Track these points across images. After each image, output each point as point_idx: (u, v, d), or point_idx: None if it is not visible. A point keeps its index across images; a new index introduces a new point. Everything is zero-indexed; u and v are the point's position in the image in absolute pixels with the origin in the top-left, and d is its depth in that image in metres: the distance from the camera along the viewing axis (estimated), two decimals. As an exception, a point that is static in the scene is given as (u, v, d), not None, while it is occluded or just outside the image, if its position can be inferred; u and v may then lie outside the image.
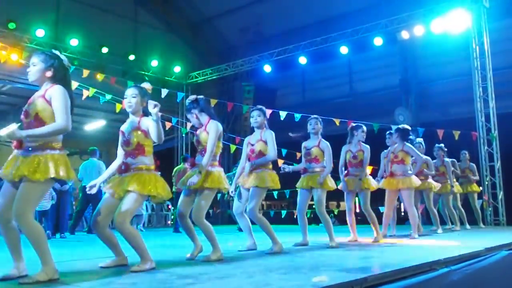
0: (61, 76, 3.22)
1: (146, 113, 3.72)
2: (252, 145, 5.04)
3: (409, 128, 6.98)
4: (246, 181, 4.98)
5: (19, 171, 2.96)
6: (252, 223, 5.04)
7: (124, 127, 3.77)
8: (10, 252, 3.13)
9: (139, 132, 3.66)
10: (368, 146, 6.29)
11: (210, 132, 4.27)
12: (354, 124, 6.62)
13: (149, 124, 3.60)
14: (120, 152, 3.76)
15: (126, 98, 3.78)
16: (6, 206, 3.05)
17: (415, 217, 6.71)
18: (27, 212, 2.97)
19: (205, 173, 4.13)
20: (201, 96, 4.55)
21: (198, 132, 4.42)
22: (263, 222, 4.85)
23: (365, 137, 6.43)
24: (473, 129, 10.63)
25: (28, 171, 2.94)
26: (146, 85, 3.87)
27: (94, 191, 3.84)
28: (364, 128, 6.49)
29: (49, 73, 3.18)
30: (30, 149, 3.02)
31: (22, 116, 3.15)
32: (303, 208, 5.75)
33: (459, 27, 10.93)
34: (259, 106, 5.23)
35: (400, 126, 7.02)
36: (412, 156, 6.71)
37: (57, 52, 3.31)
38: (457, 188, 8.73)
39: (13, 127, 2.88)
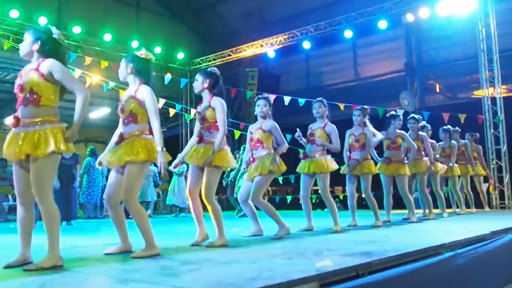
0: (50, 49, 3.19)
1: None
2: (251, 133, 5.04)
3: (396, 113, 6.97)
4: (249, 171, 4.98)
5: (22, 148, 2.97)
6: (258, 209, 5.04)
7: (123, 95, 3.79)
8: (21, 238, 3.13)
9: (134, 101, 3.63)
10: (371, 130, 6.25)
11: (217, 109, 4.18)
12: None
13: (145, 94, 3.61)
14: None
15: (120, 67, 3.82)
16: (26, 189, 3.07)
17: (411, 201, 6.79)
18: (46, 191, 3.01)
19: (203, 150, 4.13)
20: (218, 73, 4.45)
21: (201, 108, 4.30)
22: (267, 206, 4.85)
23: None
24: (479, 112, 10.55)
25: (31, 147, 2.95)
26: (143, 51, 3.86)
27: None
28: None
29: (35, 46, 3.18)
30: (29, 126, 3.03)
31: (16, 90, 3.14)
32: (307, 193, 5.74)
33: (465, 9, 10.79)
34: (266, 95, 5.18)
35: (392, 112, 6.99)
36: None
37: (51, 28, 3.27)
38: (461, 169, 8.65)
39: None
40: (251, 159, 4.99)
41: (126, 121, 3.64)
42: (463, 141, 8.91)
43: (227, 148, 4.26)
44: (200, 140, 4.21)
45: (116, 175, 3.67)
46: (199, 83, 4.34)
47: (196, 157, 4.15)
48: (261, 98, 5.11)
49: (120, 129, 3.73)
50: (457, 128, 8.77)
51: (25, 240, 3.14)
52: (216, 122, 4.19)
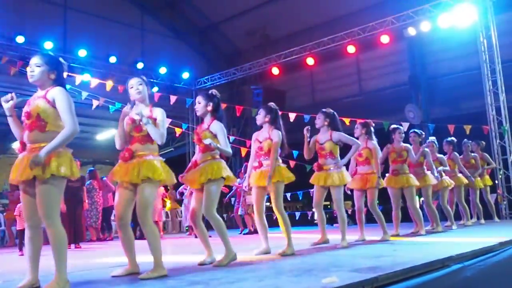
0: (62, 80, 3.31)
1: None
2: (260, 142, 5.05)
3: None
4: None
5: (27, 171, 3.01)
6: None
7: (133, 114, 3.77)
8: (30, 261, 3.15)
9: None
10: (375, 143, 6.28)
11: (219, 135, 4.27)
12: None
13: (158, 114, 3.74)
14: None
15: (132, 88, 3.87)
16: (33, 213, 3.12)
17: (420, 214, 6.79)
18: (52, 215, 3.06)
19: (204, 167, 4.19)
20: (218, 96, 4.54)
21: (200, 130, 4.39)
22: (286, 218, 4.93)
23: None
24: (484, 123, 10.54)
25: (37, 171, 3.00)
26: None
27: None
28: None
29: (53, 76, 3.25)
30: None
31: (23, 118, 3.21)
32: (320, 203, 5.76)
33: (466, 21, 10.83)
34: (269, 104, 5.21)
35: (393, 126, 7.04)
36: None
37: (59, 58, 3.39)
38: (477, 182, 8.67)
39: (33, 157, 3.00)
40: (257, 165, 5.01)
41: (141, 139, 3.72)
42: (473, 154, 8.94)
43: (221, 160, 4.33)
44: (196, 164, 4.28)
45: (125, 194, 3.67)
46: (202, 106, 4.40)
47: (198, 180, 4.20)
48: (261, 108, 5.19)
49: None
50: (452, 138, 8.72)
51: (34, 263, 3.16)
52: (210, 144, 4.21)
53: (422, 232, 6.63)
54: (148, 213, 3.57)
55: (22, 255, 7.03)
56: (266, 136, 5.02)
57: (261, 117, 5.07)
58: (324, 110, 5.75)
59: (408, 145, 6.86)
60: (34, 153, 3.01)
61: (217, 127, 4.31)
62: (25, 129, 3.19)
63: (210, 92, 4.51)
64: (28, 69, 3.27)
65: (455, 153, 8.43)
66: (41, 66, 3.24)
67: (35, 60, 3.26)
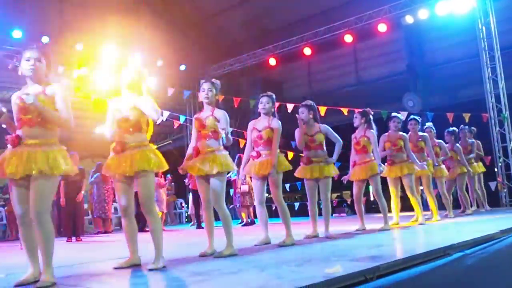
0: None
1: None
2: (259, 131, 5.00)
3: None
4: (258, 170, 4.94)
5: (26, 167, 2.99)
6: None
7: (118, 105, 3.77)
8: (30, 256, 3.17)
9: (137, 109, 3.64)
10: (374, 132, 6.25)
11: (221, 120, 4.29)
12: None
13: (141, 102, 3.64)
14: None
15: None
16: (27, 208, 3.10)
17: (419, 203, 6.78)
18: (46, 209, 3.07)
19: (213, 158, 4.16)
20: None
21: (203, 116, 4.34)
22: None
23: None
24: (483, 110, 10.53)
25: (45, 166, 3.00)
26: None
27: None
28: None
29: (48, 71, 3.25)
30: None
31: (20, 115, 3.14)
32: (314, 199, 5.68)
33: (464, 8, 10.77)
34: (270, 93, 5.16)
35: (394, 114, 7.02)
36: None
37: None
38: (474, 169, 8.66)
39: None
40: (255, 155, 4.96)
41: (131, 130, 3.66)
42: (470, 140, 8.92)
43: (226, 152, 4.33)
44: (197, 153, 4.23)
45: (125, 186, 3.66)
46: (213, 94, 4.38)
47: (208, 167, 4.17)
48: (264, 96, 5.13)
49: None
50: (454, 128, 8.69)
51: (33, 257, 3.17)
52: (214, 131, 4.23)
53: (422, 220, 6.63)
54: (153, 203, 3.68)
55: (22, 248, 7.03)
56: (266, 124, 4.98)
57: (268, 106, 5.02)
58: (306, 103, 5.59)
59: (404, 134, 6.81)
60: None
61: (221, 114, 4.33)
62: (22, 124, 3.13)
63: (215, 81, 4.50)
64: (27, 63, 3.19)
65: (458, 145, 8.40)
66: (43, 61, 3.22)
67: (36, 54, 3.21)
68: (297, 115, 5.50)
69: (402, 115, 7.17)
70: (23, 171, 3.00)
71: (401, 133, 6.77)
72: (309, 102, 5.62)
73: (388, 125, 6.86)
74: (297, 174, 5.60)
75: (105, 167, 3.69)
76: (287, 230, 4.86)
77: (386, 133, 6.81)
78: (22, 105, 3.12)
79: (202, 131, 4.27)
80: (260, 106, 5.07)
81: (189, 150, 4.40)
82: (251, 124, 5.15)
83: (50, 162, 3.04)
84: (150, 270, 3.36)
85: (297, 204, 13.29)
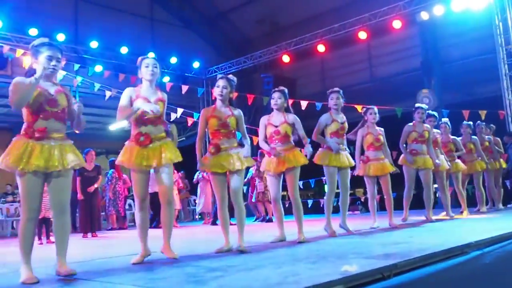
0: None
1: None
2: (276, 126, 4.97)
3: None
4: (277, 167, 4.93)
5: (60, 161, 3.10)
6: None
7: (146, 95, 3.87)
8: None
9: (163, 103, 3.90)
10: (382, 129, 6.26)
11: (241, 120, 4.40)
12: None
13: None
14: None
15: (148, 66, 3.98)
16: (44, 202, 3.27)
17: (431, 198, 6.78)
18: (69, 203, 3.25)
19: (237, 156, 4.25)
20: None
21: (222, 115, 4.31)
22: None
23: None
24: (500, 107, 10.39)
25: (75, 160, 3.20)
26: None
27: None
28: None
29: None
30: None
31: (47, 106, 3.17)
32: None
33: (480, 3, 10.66)
34: (281, 88, 5.13)
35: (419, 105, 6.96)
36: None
37: None
38: (491, 165, 8.54)
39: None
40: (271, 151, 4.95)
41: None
42: (487, 137, 8.81)
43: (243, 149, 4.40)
44: (219, 149, 4.25)
45: (146, 177, 3.82)
46: (228, 92, 4.38)
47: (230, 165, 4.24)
48: (276, 91, 5.10)
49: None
50: (470, 122, 8.60)
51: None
52: (234, 130, 4.34)
53: (430, 216, 6.60)
54: (172, 198, 3.86)
55: (41, 243, 7.13)
56: (282, 120, 4.97)
57: (281, 101, 4.99)
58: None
59: (428, 125, 6.80)
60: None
61: (240, 114, 4.40)
62: (47, 116, 3.17)
63: (232, 77, 4.49)
64: (54, 62, 3.23)
65: (475, 137, 8.31)
66: (61, 61, 3.32)
67: (58, 54, 3.29)
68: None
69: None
70: (62, 165, 3.11)
71: (426, 125, 6.75)
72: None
73: (413, 116, 6.82)
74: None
75: (128, 159, 3.73)
76: (299, 227, 4.87)
77: (411, 124, 6.77)
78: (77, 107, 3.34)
79: (222, 130, 4.29)
80: (272, 102, 5.06)
81: (198, 146, 4.41)
82: (264, 119, 5.12)
83: (77, 156, 3.22)
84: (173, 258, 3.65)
85: (310, 201, 13.26)
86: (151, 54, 14.06)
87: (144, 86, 3.92)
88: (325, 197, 5.42)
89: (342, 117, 5.48)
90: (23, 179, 3.07)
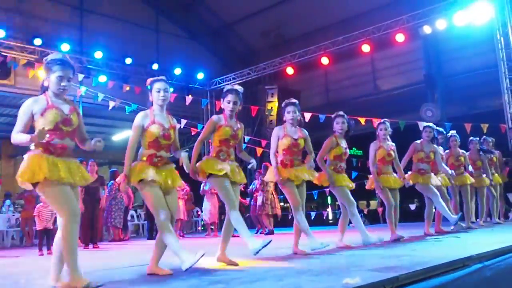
0: None
1: None
2: (295, 139, 4.92)
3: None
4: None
5: (81, 177, 3.25)
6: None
7: (161, 121, 3.84)
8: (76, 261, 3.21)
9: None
10: (393, 144, 6.28)
11: (243, 133, 4.54)
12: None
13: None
14: None
15: (159, 92, 3.86)
16: None
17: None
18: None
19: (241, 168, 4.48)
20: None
21: (233, 127, 4.36)
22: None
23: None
24: (501, 121, 10.42)
25: (87, 179, 3.35)
26: None
27: None
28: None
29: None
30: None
31: (60, 124, 3.19)
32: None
33: (482, 18, 10.74)
34: (294, 101, 5.05)
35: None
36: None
37: None
38: (496, 179, 8.60)
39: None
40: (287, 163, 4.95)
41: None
42: (497, 151, 8.91)
43: None
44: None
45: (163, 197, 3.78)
46: (237, 107, 4.41)
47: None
48: (290, 104, 4.99)
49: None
50: (477, 138, 8.62)
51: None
52: (238, 142, 4.45)
53: (427, 231, 6.65)
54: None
55: (42, 254, 7.14)
56: (299, 134, 4.96)
57: (296, 115, 4.94)
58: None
59: (435, 146, 6.84)
60: (94, 144, 3.33)
61: (243, 127, 4.52)
62: (63, 136, 3.21)
63: (239, 89, 4.45)
64: (64, 82, 3.24)
65: (483, 154, 8.36)
66: (71, 80, 3.35)
67: (70, 74, 3.29)
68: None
69: (420, 126, 7.14)
70: (85, 180, 3.29)
71: (434, 145, 6.81)
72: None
73: (422, 135, 6.88)
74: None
75: (148, 176, 3.69)
76: (309, 238, 4.90)
77: (418, 142, 6.82)
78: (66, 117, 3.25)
79: (232, 141, 4.37)
80: (288, 116, 4.94)
81: (197, 148, 4.44)
82: (280, 131, 4.99)
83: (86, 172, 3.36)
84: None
85: (313, 214, 13.25)
86: (155, 66, 14.37)
87: (156, 110, 3.88)
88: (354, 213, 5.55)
89: (345, 142, 5.61)
90: (56, 189, 3.10)
